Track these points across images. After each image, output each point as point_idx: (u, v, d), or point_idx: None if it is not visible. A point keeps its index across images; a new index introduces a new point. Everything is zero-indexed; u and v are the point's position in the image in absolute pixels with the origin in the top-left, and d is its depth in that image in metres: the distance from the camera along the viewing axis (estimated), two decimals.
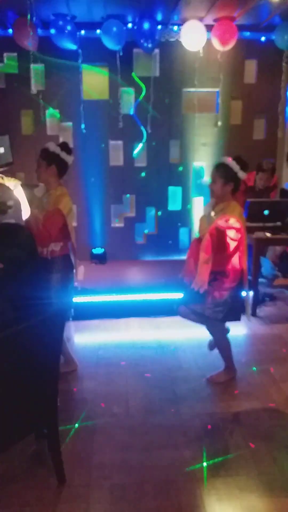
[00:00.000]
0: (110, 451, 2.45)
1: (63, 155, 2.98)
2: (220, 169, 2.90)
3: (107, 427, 2.66)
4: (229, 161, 2.91)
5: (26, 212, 4.15)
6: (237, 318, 3.13)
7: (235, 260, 2.99)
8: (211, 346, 3.32)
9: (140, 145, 5.03)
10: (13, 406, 1.91)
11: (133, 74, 4.84)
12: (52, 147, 2.98)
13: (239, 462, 2.36)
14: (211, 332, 3.17)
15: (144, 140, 5.03)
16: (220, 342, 3.15)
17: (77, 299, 3.84)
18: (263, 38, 4.88)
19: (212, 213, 2.97)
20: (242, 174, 2.90)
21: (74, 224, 3.19)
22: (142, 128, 4.97)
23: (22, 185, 4.29)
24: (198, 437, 2.56)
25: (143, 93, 4.91)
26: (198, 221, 3.12)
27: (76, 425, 2.67)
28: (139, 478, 2.25)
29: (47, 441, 2.18)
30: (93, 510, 2.06)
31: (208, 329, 3.14)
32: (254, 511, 2.06)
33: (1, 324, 1.81)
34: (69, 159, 3.02)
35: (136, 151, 5.03)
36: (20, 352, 1.85)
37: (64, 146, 3.02)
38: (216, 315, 2.99)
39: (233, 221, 2.87)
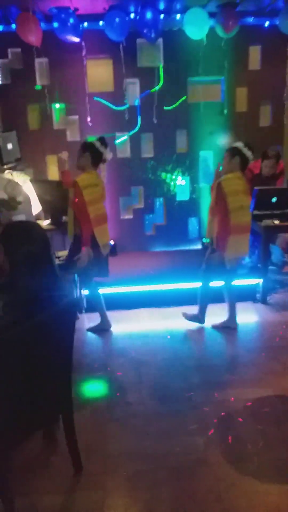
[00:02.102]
0: (125, 439, 2.52)
1: (98, 145, 3.42)
2: (228, 150, 3.52)
3: (121, 415, 2.72)
4: (241, 144, 3.48)
5: (35, 207, 4.21)
6: None
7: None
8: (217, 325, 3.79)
9: (125, 137, 5.04)
10: (31, 396, 1.97)
11: (160, 65, 4.87)
12: (89, 140, 3.50)
13: (252, 448, 2.41)
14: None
15: (135, 131, 5.03)
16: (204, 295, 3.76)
17: (87, 291, 3.93)
18: (266, 24, 4.82)
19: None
20: (247, 151, 3.43)
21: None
22: (138, 119, 4.98)
23: (31, 181, 4.34)
24: (210, 424, 2.61)
25: (160, 85, 4.93)
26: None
27: (91, 414, 2.74)
28: (154, 465, 2.31)
29: (63, 429, 2.23)
30: (110, 498, 2.12)
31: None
32: (268, 496, 2.10)
33: (14, 319, 1.85)
34: (103, 150, 3.45)
35: (119, 141, 5.03)
36: (36, 344, 1.90)
37: (101, 140, 3.47)
38: None
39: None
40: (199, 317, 3.79)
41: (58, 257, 4.09)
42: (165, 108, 4.97)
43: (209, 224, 3.60)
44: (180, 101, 4.97)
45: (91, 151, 3.41)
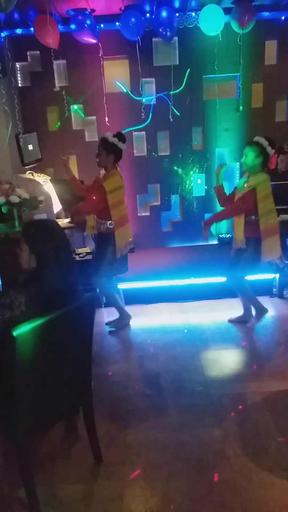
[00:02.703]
0: (143, 431, 2.58)
1: (120, 144, 3.44)
2: (252, 145, 3.39)
3: (140, 408, 2.79)
4: (259, 138, 3.40)
5: (56, 206, 4.31)
6: None
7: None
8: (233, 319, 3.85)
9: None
10: (53, 387, 2.05)
11: (187, 71, 4.91)
12: (110, 137, 3.42)
13: (268, 441, 2.44)
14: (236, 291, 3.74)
15: (143, 125, 5.08)
16: (247, 294, 3.74)
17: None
18: (283, 17, 4.79)
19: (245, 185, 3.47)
20: (270, 150, 3.37)
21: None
22: (150, 115, 5.04)
23: (51, 180, 4.44)
24: (227, 417, 2.65)
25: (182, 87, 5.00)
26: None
27: (110, 406, 2.82)
28: (171, 457, 2.37)
29: (83, 420, 2.31)
30: (129, 488, 2.19)
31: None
32: (285, 489, 2.13)
33: (34, 314, 1.94)
34: (123, 146, 3.48)
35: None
36: (59, 336, 1.99)
37: (120, 136, 3.46)
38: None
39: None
40: (247, 315, 3.82)
41: (78, 254, 4.20)
42: (177, 113, 5.02)
43: (237, 225, 3.54)
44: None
45: (115, 152, 3.45)
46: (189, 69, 4.95)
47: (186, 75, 4.95)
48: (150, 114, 5.03)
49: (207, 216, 5.39)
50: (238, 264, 3.58)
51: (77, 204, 3.58)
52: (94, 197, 3.44)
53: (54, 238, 2.06)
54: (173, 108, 4.97)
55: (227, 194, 3.69)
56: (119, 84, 4.97)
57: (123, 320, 3.88)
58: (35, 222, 2.34)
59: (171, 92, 4.95)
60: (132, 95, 4.97)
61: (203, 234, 3.60)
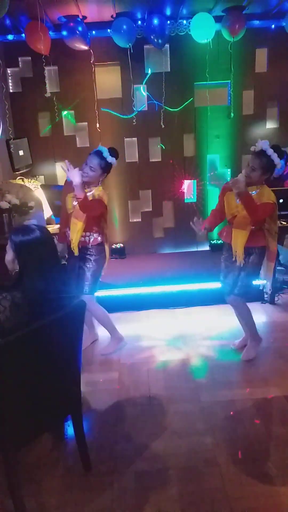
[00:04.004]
0: (133, 439, 2.55)
1: (113, 161, 3.24)
2: (263, 160, 2.97)
3: (130, 416, 2.76)
4: (269, 149, 2.98)
5: (46, 212, 4.29)
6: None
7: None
8: (236, 344, 3.57)
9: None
10: (40, 396, 2.02)
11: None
12: (109, 158, 3.21)
13: (260, 448, 2.43)
14: (234, 306, 3.39)
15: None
16: (245, 312, 3.37)
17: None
18: (273, 26, 4.85)
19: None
20: (278, 163, 3.00)
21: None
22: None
23: (41, 186, 4.42)
24: (218, 424, 2.63)
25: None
26: (225, 200, 3.24)
27: (100, 414, 2.79)
28: (162, 465, 2.34)
29: (72, 429, 2.28)
30: (119, 497, 2.15)
31: (232, 303, 3.38)
32: (277, 496, 2.11)
33: (23, 320, 1.92)
34: (115, 163, 3.28)
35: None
36: (45, 344, 1.95)
37: (114, 153, 3.26)
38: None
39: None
40: (257, 339, 3.44)
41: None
42: (172, 110, 5.01)
43: (239, 237, 3.14)
44: (187, 103, 5.02)
45: (108, 172, 3.30)
46: (192, 99, 5.03)
47: (186, 102, 5.02)
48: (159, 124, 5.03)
49: None
50: (242, 278, 3.25)
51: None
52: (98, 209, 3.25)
53: (40, 244, 2.05)
54: (168, 108, 4.99)
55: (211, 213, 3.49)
56: (108, 110, 5.01)
57: (118, 342, 3.65)
58: (21, 227, 2.32)
59: (174, 109, 4.99)
60: (120, 115, 5.01)
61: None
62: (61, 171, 5.14)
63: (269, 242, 3.18)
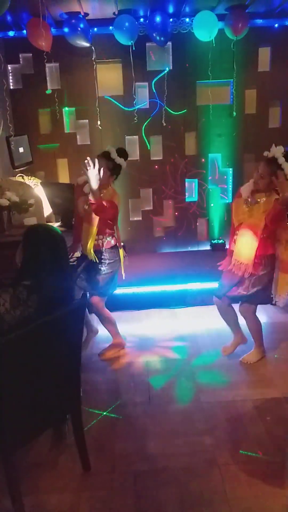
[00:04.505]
0: (133, 439, 2.54)
1: (122, 162, 3.18)
2: (273, 168, 2.85)
3: (130, 416, 2.75)
4: (280, 157, 2.84)
5: (46, 209, 4.27)
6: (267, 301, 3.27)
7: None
8: (227, 349, 3.44)
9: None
10: (40, 395, 2.01)
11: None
12: (118, 159, 3.15)
13: (260, 448, 2.42)
14: (244, 315, 3.30)
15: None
16: (254, 323, 3.29)
17: None
18: (276, 25, 4.82)
19: (249, 198, 3.02)
20: (286, 167, 2.82)
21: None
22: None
23: (41, 183, 4.39)
24: (218, 425, 2.62)
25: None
26: (233, 206, 3.17)
27: (102, 413, 2.77)
28: (161, 466, 2.33)
29: (72, 429, 2.26)
30: (117, 497, 2.15)
31: (241, 312, 3.29)
32: (276, 496, 2.10)
33: (25, 315, 1.92)
34: (124, 165, 3.23)
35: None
36: (45, 343, 1.94)
37: (123, 153, 3.20)
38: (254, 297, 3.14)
39: None
40: (262, 346, 3.37)
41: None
42: (173, 113, 5.00)
43: (251, 246, 3.00)
44: (183, 111, 5.03)
45: (118, 173, 3.24)
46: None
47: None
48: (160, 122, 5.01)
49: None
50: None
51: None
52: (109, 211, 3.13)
53: (54, 245, 2.12)
54: (167, 108, 4.97)
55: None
56: (110, 98, 4.96)
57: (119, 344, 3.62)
58: (37, 226, 2.37)
59: (175, 112, 4.96)
60: (122, 107, 4.97)
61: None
62: (61, 168, 5.12)
63: (280, 251, 3.03)
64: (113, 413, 2.78)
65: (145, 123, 5.02)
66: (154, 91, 4.95)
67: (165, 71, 4.89)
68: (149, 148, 5.10)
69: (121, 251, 3.37)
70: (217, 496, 2.12)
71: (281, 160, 2.83)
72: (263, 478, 2.21)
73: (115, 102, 4.97)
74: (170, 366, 3.31)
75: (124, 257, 3.40)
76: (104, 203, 3.04)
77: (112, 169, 3.17)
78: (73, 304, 2.06)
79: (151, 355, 3.47)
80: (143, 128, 5.03)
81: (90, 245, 3.19)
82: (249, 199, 3.03)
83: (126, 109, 4.97)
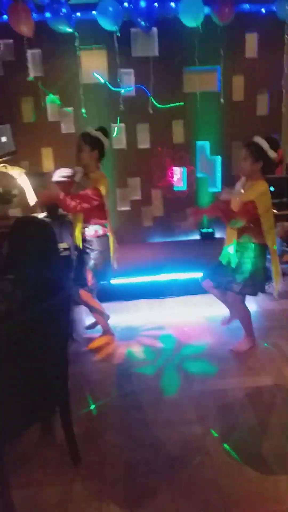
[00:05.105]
0: (123, 429, 2.51)
1: (103, 139, 3.15)
2: (251, 147, 2.97)
3: (120, 406, 2.72)
4: (259, 139, 2.97)
5: (31, 201, 4.18)
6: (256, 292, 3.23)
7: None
8: (226, 321, 3.55)
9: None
10: (27, 388, 1.96)
11: None
12: (93, 131, 3.14)
13: (251, 436, 2.40)
14: (232, 304, 3.32)
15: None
16: (242, 312, 3.28)
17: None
18: (263, 10, 4.75)
19: (242, 190, 3.07)
20: (272, 153, 2.95)
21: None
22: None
23: (26, 173, 4.30)
24: (209, 414, 2.60)
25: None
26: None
27: (91, 405, 2.73)
28: (151, 455, 2.30)
29: (60, 421, 2.22)
30: (107, 488, 2.11)
31: (229, 301, 3.32)
32: (267, 483, 2.09)
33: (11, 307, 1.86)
34: (107, 142, 3.18)
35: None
36: (31, 336, 1.89)
37: (103, 130, 3.18)
38: (243, 288, 3.12)
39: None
40: (252, 335, 3.34)
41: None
42: (160, 106, 4.93)
43: (231, 236, 3.13)
44: (175, 105, 4.96)
45: (99, 148, 3.15)
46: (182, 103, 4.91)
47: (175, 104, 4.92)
48: (147, 110, 4.92)
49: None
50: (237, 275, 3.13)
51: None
52: (92, 198, 3.09)
53: (43, 237, 2.07)
54: (153, 100, 4.89)
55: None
56: (97, 76, 4.85)
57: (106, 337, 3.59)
58: (24, 219, 2.31)
59: (162, 106, 4.90)
60: (110, 85, 4.86)
61: (187, 223, 3.35)
62: (46, 157, 5.02)
63: (266, 239, 3.07)
64: (102, 404, 2.74)
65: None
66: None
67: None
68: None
69: (111, 240, 3.30)
70: (209, 484, 2.09)
71: (259, 139, 2.96)
72: (254, 466, 2.19)
73: (103, 81, 4.85)
74: (160, 356, 3.27)
75: (114, 247, 3.34)
76: (89, 191, 2.99)
77: (90, 143, 3.11)
78: (58, 298, 2.00)
79: (140, 346, 3.43)
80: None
81: (78, 232, 3.17)
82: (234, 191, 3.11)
83: (113, 89, 4.86)
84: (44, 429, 2.50)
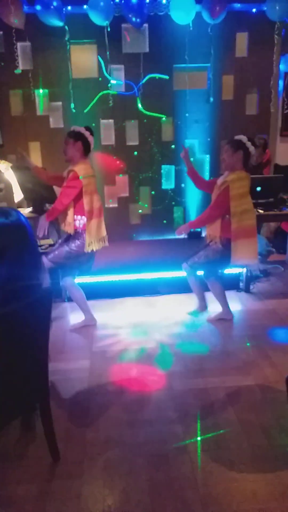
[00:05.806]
0: (103, 428, 2.50)
1: (87, 134, 3.35)
2: (230, 141, 3.31)
3: (100, 404, 2.71)
4: (239, 136, 3.30)
5: (17, 195, 4.14)
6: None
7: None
8: (201, 308, 3.77)
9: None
10: (6, 385, 1.94)
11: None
12: (77, 128, 3.37)
13: (230, 435, 2.41)
14: (208, 280, 3.63)
15: None
16: (217, 289, 3.64)
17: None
18: (254, 10, 4.76)
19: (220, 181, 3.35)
20: (250, 146, 3.25)
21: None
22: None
23: (12, 168, 4.26)
24: (190, 412, 2.60)
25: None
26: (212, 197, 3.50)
27: (70, 403, 2.72)
28: (131, 454, 2.30)
29: (40, 418, 2.21)
30: (86, 486, 2.11)
31: (206, 277, 3.63)
32: (245, 483, 2.10)
33: None
34: (91, 140, 3.38)
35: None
36: (11, 332, 1.87)
37: (88, 129, 3.38)
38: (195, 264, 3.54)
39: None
40: (228, 310, 3.74)
41: (40, 246, 4.05)
42: (147, 113, 4.95)
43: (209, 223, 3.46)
44: (161, 116, 5.00)
45: (83, 140, 3.32)
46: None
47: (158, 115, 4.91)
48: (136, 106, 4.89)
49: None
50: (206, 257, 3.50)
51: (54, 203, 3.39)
52: (66, 186, 3.32)
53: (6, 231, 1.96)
54: (142, 109, 4.90)
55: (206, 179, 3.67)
56: (114, 80, 4.83)
57: (88, 322, 3.71)
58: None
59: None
60: (106, 74, 4.81)
61: (179, 230, 3.59)
62: (34, 152, 4.97)
63: (234, 221, 3.28)
64: (83, 402, 2.74)
65: None
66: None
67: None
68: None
69: (86, 238, 3.38)
70: (187, 483, 2.10)
71: (245, 139, 3.25)
72: (233, 465, 2.20)
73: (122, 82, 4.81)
74: (143, 354, 3.27)
75: (89, 245, 3.40)
76: (66, 183, 3.29)
77: (73, 136, 3.30)
78: (36, 296, 1.97)
79: (123, 344, 3.42)
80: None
81: (70, 219, 3.41)
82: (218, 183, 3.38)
83: (107, 76, 4.82)
84: (24, 426, 2.49)
